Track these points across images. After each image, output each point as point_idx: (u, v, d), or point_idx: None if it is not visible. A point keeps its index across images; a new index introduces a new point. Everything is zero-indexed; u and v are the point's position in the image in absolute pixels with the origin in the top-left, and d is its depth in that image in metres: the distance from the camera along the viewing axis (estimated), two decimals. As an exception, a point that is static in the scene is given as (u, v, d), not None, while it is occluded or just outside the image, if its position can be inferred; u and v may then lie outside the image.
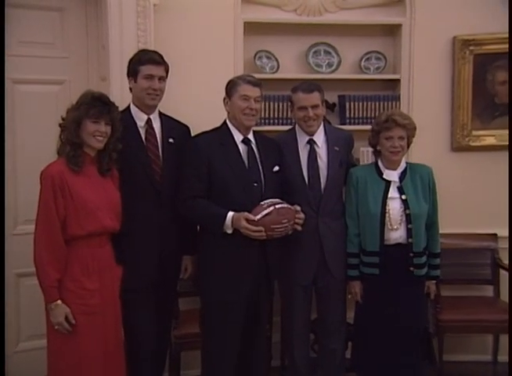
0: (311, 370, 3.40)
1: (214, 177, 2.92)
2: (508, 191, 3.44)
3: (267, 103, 3.82)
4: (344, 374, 3.40)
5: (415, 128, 3.15)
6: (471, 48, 3.86)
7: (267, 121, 3.86)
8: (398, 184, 3.13)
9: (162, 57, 3.03)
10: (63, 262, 2.68)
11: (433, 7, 3.86)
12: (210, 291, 2.99)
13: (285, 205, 2.91)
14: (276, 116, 3.86)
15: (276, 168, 3.05)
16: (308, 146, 3.19)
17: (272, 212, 2.86)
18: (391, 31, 4.01)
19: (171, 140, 3.05)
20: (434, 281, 3.26)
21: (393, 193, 3.13)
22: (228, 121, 3.04)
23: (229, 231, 2.86)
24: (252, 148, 3.02)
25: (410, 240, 3.09)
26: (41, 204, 2.69)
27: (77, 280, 2.70)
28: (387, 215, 3.09)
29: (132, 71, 2.99)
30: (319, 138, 3.21)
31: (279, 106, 3.84)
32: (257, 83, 3.00)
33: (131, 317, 2.98)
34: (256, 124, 3.74)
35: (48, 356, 2.77)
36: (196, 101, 3.58)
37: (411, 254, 3.10)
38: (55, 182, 2.66)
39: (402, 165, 3.18)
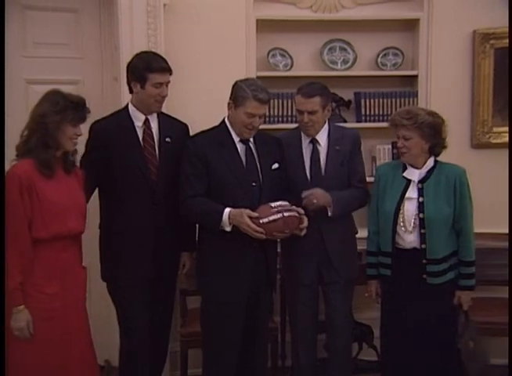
0: (320, 370, 3.33)
1: (213, 177, 2.91)
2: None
3: (281, 101, 3.85)
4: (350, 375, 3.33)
5: (427, 126, 2.91)
6: (492, 42, 3.76)
7: (281, 118, 3.87)
8: (419, 184, 2.97)
9: (167, 62, 3.03)
10: (28, 264, 2.63)
11: (451, 0, 3.78)
12: (209, 291, 3.00)
13: (293, 213, 2.87)
14: (290, 114, 3.85)
15: (276, 166, 3.02)
16: (311, 145, 3.15)
17: (278, 220, 2.82)
18: (409, 26, 3.94)
19: (168, 139, 3.06)
20: (468, 291, 3.02)
21: (411, 193, 2.98)
22: (227, 121, 3.01)
23: (228, 229, 2.84)
24: (250, 147, 3.00)
25: (423, 245, 2.94)
26: (8, 206, 2.61)
27: (37, 284, 2.65)
28: (400, 215, 2.96)
29: (139, 77, 2.96)
30: (322, 137, 3.15)
31: (292, 103, 3.77)
32: (266, 100, 2.92)
33: (127, 315, 3.03)
34: (270, 123, 3.82)
35: (6, 361, 2.67)
36: (208, 100, 3.60)
37: (424, 261, 2.95)
38: (23, 182, 2.61)
39: (428, 164, 2.99)
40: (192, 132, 3.19)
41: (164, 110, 3.28)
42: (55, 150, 2.69)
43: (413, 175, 3.00)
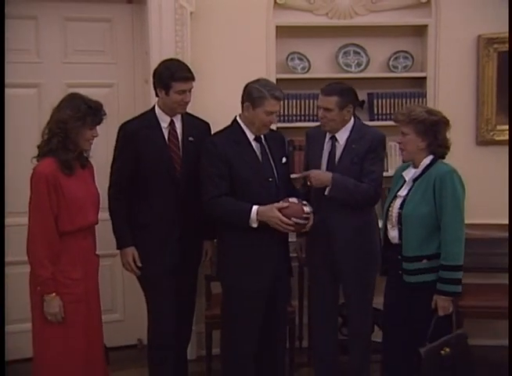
0: (338, 352, 3.52)
1: (235, 175, 3.06)
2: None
3: (299, 101, 4.10)
4: (370, 357, 3.45)
5: (421, 122, 2.91)
6: (495, 46, 4.01)
7: (299, 117, 4.12)
8: (412, 183, 2.99)
9: (191, 70, 3.23)
10: (56, 255, 2.85)
11: (457, 7, 4.04)
12: (233, 282, 3.16)
13: (312, 222, 3.08)
14: (308, 113, 4.12)
15: (284, 160, 3.23)
16: (331, 141, 3.32)
17: (301, 225, 3.04)
18: (418, 32, 4.19)
19: (191, 138, 3.27)
20: (444, 297, 2.89)
21: (403, 191, 3.02)
22: (240, 121, 3.16)
23: (255, 225, 3.00)
24: (263, 145, 3.17)
25: (400, 241, 2.97)
26: (36, 202, 2.82)
27: (64, 270, 2.86)
28: (390, 212, 3.03)
29: (164, 85, 3.16)
30: (342, 136, 3.28)
31: (310, 103, 4.10)
32: (281, 97, 3.11)
33: (154, 301, 3.28)
34: (288, 121, 4.08)
35: (33, 343, 2.93)
36: (231, 101, 3.75)
37: (399, 257, 2.97)
38: (49, 180, 2.79)
39: (424, 163, 2.97)
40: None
41: (189, 111, 3.48)
42: (74, 151, 2.89)
43: (408, 173, 3.03)
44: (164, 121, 3.27)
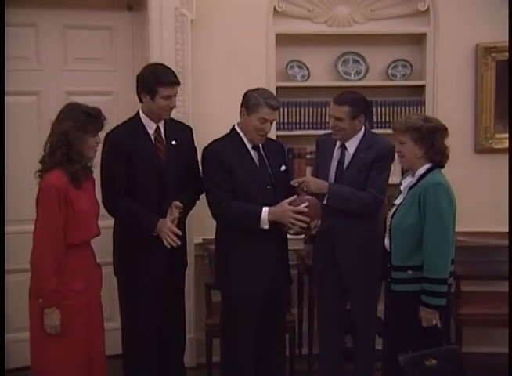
0: (343, 359, 3.52)
1: (235, 183, 3.08)
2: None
3: (298, 109, 4.11)
4: (374, 365, 3.45)
5: (417, 130, 2.88)
6: (493, 55, 4.04)
7: (298, 125, 4.13)
8: (406, 192, 2.97)
9: (176, 75, 3.21)
10: (61, 268, 2.82)
11: (456, 16, 4.06)
12: (229, 287, 3.17)
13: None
14: (307, 121, 4.13)
15: (283, 168, 3.25)
16: (340, 149, 3.32)
17: (316, 206, 3.07)
18: (417, 40, 4.21)
19: (173, 142, 3.25)
20: (428, 309, 2.84)
21: (399, 199, 3.01)
22: (238, 129, 3.17)
23: (266, 227, 3.02)
24: (261, 153, 3.19)
25: (390, 250, 2.99)
26: (46, 213, 2.79)
27: (66, 282, 2.83)
28: (387, 220, 3.03)
29: (149, 90, 3.12)
30: (352, 145, 3.29)
31: (309, 111, 4.12)
32: (277, 107, 3.14)
33: (138, 315, 3.26)
34: (288, 129, 4.10)
35: (31, 353, 2.90)
36: (231, 108, 3.81)
37: (388, 266, 2.99)
38: (60, 192, 2.77)
39: (418, 173, 2.94)
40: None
41: (189, 118, 3.53)
42: (80, 162, 2.87)
43: (404, 182, 3.02)
44: (150, 127, 3.24)
